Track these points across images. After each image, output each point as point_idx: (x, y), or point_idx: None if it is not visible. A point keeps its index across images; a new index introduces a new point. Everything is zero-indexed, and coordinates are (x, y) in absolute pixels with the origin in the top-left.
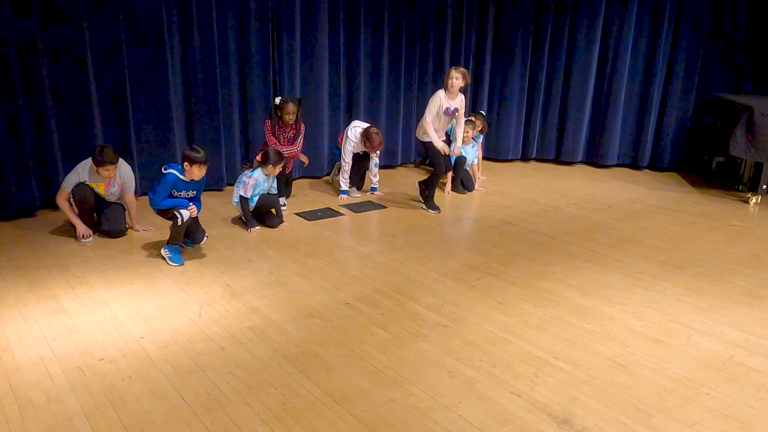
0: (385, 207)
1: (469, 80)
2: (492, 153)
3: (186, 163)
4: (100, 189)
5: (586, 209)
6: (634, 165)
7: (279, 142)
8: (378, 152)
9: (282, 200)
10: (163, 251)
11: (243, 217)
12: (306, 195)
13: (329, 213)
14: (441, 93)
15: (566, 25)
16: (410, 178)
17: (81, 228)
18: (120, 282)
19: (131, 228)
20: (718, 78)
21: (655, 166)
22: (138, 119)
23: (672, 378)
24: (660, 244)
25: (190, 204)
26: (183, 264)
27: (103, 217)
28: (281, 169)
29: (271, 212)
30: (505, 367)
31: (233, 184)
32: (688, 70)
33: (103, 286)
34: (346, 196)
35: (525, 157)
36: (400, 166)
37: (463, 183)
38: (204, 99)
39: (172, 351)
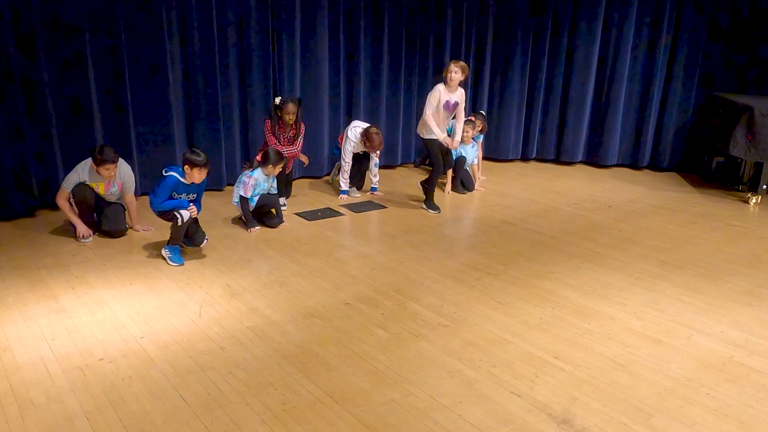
0: (385, 207)
1: (468, 74)
2: (492, 153)
3: (186, 167)
4: (100, 189)
5: (586, 209)
6: (634, 165)
7: (279, 142)
8: (378, 152)
9: (282, 200)
10: (163, 251)
11: (243, 217)
12: (306, 195)
13: (329, 213)
14: (440, 86)
15: (566, 25)
16: (410, 178)
17: (81, 228)
18: (120, 282)
19: (131, 228)
20: (718, 78)
21: (655, 166)
22: (138, 119)
23: (672, 378)
24: (660, 244)
25: (190, 204)
26: (183, 264)
27: (103, 217)
28: (281, 169)
29: (271, 212)
30: (505, 367)
31: (233, 184)
32: (688, 70)
33: (103, 286)
34: (346, 196)
35: (525, 157)
36: (400, 166)
37: (463, 183)
38: (204, 99)
39: (172, 351)
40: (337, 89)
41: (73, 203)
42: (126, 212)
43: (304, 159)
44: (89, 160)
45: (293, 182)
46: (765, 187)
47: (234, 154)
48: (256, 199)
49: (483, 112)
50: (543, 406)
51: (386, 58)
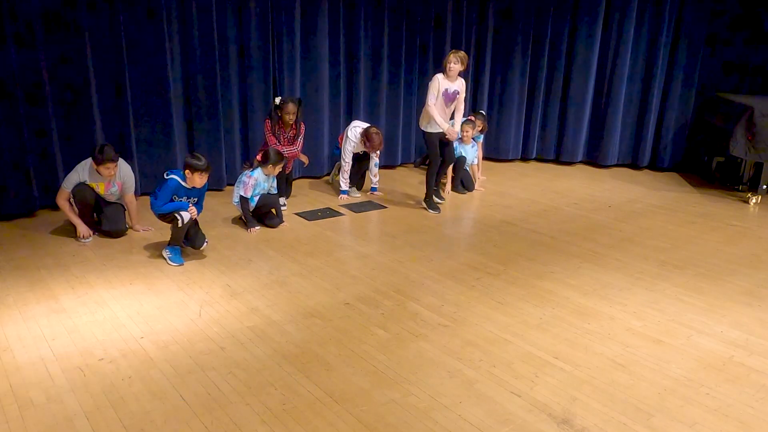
0: (385, 207)
1: (468, 64)
2: (492, 153)
3: (187, 171)
4: (100, 189)
5: (586, 209)
6: (634, 165)
7: (279, 142)
8: (378, 152)
9: (282, 200)
10: (164, 252)
11: (243, 217)
12: (306, 195)
13: (329, 213)
14: (439, 75)
15: (566, 25)
16: (410, 178)
17: (81, 228)
18: (120, 282)
19: (131, 228)
20: (719, 78)
21: (655, 166)
22: (138, 120)
23: (672, 378)
24: (660, 244)
25: (191, 205)
26: (183, 264)
27: (103, 217)
28: (281, 169)
29: (271, 212)
30: (505, 367)
31: (233, 184)
32: (688, 70)
33: (103, 286)
34: (346, 196)
35: (525, 157)
36: (400, 166)
37: (463, 183)
38: (204, 99)
39: (172, 351)
40: (337, 89)
41: (73, 203)
42: (126, 212)
43: (304, 159)
44: (89, 160)
45: (293, 182)
46: (765, 187)
47: (234, 154)
48: (256, 199)
49: (483, 112)
50: (543, 406)
51: (386, 59)
